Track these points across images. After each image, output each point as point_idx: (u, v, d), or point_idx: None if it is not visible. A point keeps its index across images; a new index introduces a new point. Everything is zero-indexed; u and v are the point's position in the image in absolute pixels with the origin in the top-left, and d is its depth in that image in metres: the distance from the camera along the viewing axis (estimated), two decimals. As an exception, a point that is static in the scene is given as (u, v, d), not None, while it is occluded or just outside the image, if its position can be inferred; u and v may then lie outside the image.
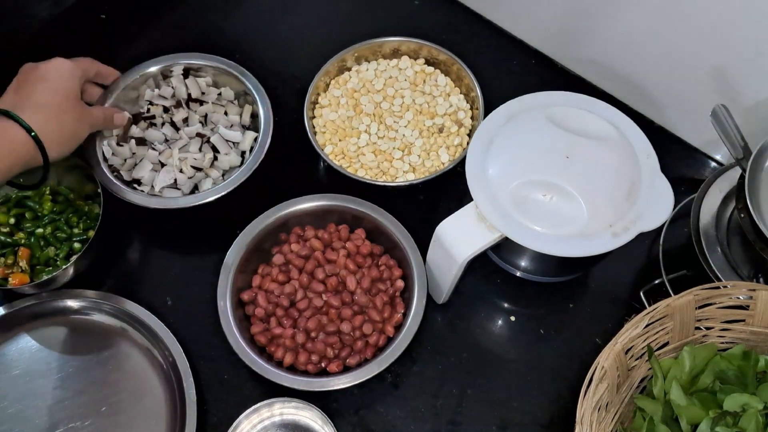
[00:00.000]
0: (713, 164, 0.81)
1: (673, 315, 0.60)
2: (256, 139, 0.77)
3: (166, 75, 0.82)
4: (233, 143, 0.78)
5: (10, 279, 0.70)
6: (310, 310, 0.68)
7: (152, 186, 0.76)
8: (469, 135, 0.79)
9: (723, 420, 0.55)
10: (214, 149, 0.77)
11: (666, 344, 0.62)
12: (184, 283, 0.75)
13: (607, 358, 0.57)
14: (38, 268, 0.71)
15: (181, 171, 0.76)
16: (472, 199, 0.62)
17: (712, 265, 0.66)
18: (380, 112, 0.80)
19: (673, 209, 0.63)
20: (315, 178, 0.81)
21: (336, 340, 0.68)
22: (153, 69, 0.81)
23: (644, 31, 0.76)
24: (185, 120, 0.80)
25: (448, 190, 0.79)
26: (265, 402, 0.66)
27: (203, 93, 0.82)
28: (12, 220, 0.73)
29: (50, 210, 0.74)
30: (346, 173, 0.75)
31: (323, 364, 0.67)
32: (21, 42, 0.90)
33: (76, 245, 0.72)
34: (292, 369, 0.67)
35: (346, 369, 0.67)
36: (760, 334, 0.61)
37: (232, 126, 0.79)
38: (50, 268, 0.71)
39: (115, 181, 0.74)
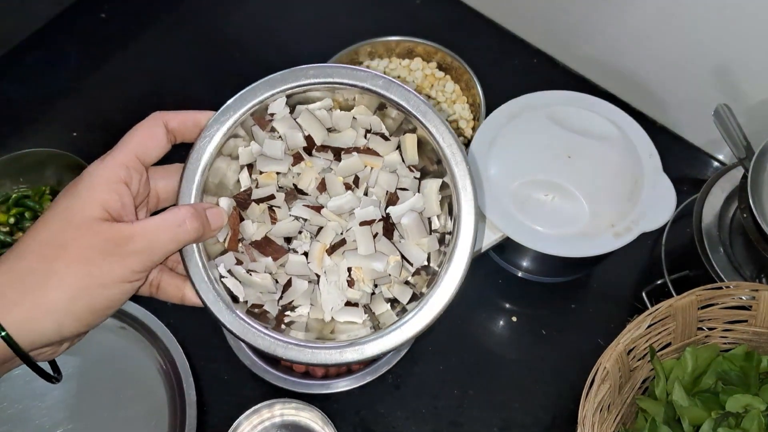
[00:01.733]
0: (716, 164, 0.81)
1: (676, 315, 0.60)
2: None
3: (260, 119, 0.45)
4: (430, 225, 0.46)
5: (9, 279, 0.70)
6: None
7: (312, 306, 0.46)
8: (467, 145, 0.78)
9: (725, 421, 0.55)
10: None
11: (668, 345, 0.62)
12: (185, 284, 0.75)
13: (609, 359, 0.57)
14: (38, 269, 0.71)
15: (349, 283, 0.45)
16: (473, 199, 0.62)
17: (715, 265, 0.66)
18: (381, 111, 0.79)
19: (676, 209, 0.62)
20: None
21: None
22: (232, 120, 0.43)
23: (646, 30, 0.76)
24: (321, 187, 0.46)
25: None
26: (266, 403, 0.65)
27: (330, 129, 0.46)
28: (12, 220, 0.73)
29: (50, 210, 0.74)
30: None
31: (311, 367, 0.67)
32: (20, 41, 0.90)
33: (76, 245, 0.72)
34: (292, 369, 0.67)
35: (347, 370, 0.67)
36: (762, 334, 0.61)
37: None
38: (50, 269, 0.71)
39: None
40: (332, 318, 0.45)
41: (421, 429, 0.68)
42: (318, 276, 0.45)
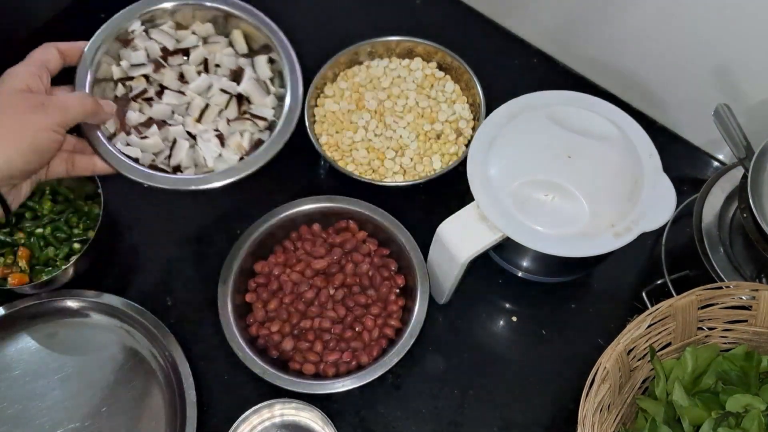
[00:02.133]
0: (716, 164, 0.81)
1: (676, 315, 0.60)
2: (280, 100, 0.68)
3: (124, 39, 0.67)
4: (267, 81, 0.68)
5: (9, 279, 0.70)
6: (313, 311, 0.68)
7: (196, 166, 0.66)
8: (467, 145, 0.78)
9: (725, 421, 0.55)
10: (247, 101, 0.67)
11: (668, 345, 0.62)
12: (185, 284, 0.75)
13: (609, 359, 0.57)
14: (38, 269, 0.71)
15: (220, 135, 0.66)
16: (473, 199, 0.62)
17: (715, 265, 0.66)
18: (382, 110, 0.79)
19: (676, 209, 0.62)
20: (316, 176, 0.80)
21: (337, 342, 0.68)
22: (102, 39, 0.66)
23: (646, 29, 0.76)
24: (181, 78, 0.68)
25: (449, 190, 0.78)
26: (266, 403, 0.65)
27: (178, 41, 0.69)
28: (12, 220, 0.73)
29: (50, 210, 0.74)
30: (337, 167, 0.75)
31: (322, 367, 0.67)
32: (20, 41, 0.89)
33: (76, 245, 0.72)
34: (290, 369, 0.67)
35: (348, 371, 0.67)
36: (762, 334, 0.61)
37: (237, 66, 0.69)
38: (50, 269, 0.71)
39: (135, 165, 0.63)
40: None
41: (421, 429, 0.68)
42: (195, 137, 0.66)
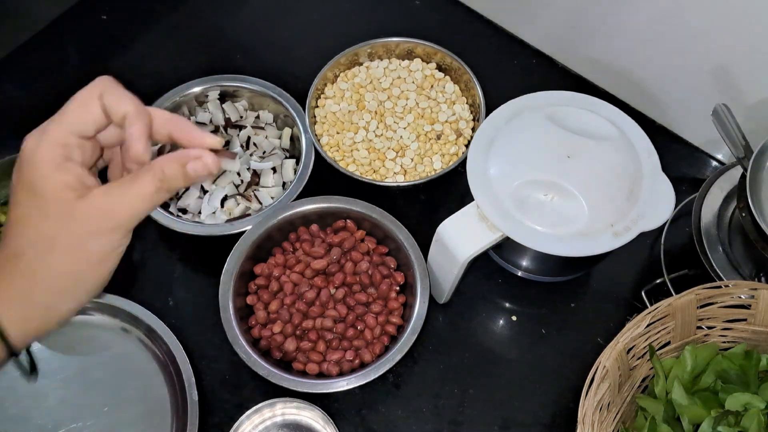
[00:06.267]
0: (714, 163, 0.81)
1: (675, 314, 0.60)
2: (297, 162, 0.77)
3: (201, 101, 0.80)
4: (273, 169, 0.77)
5: (11, 280, 0.70)
6: (315, 311, 0.68)
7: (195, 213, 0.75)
8: (467, 146, 0.78)
9: (725, 419, 0.55)
10: (256, 174, 0.77)
11: (668, 344, 0.62)
12: (186, 284, 0.75)
13: (608, 358, 0.57)
14: (40, 269, 0.71)
15: (225, 197, 0.75)
16: (473, 199, 0.62)
17: (714, 264, 0.66)
18: (382, 111, 0.80)
19: (675, 208, 0.63)
20: (315, 174, 0.81)
21: (339, 341, 0.68)
22: (187, 94, 0.79)
23: (645, 30, 0.76)
24: (226, 145, 0.78)
25: (449, 190, 0.79)
26: (267, 402, 0.66)
27: (241, 117, 0.81)
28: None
29: (52, 211, 0.74)
30: (338, 167, 0.75)
31: (326, 367, 0.67)
32: (22, 43, 0.90)
33: (78, 246, 0.72)
34: (294, 369, 0.67)
35: (351, 369, 0.67)
36: (761, 333, 0.61)
37: (273, 150, 0.78)
38: (52, 269, 0.71)
39: (163, 212, 0.73)
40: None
41: (421, 428, 0.68)
42: (205, 191, 0.75)
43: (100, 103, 0.42)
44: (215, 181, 0.76)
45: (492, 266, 0.75)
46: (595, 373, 0.57)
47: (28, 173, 0.40)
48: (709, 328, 0.62)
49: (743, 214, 0.62)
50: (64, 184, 0.40)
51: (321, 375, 0.67)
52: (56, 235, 0.40)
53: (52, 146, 0.41)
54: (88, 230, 0.40)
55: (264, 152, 0.79)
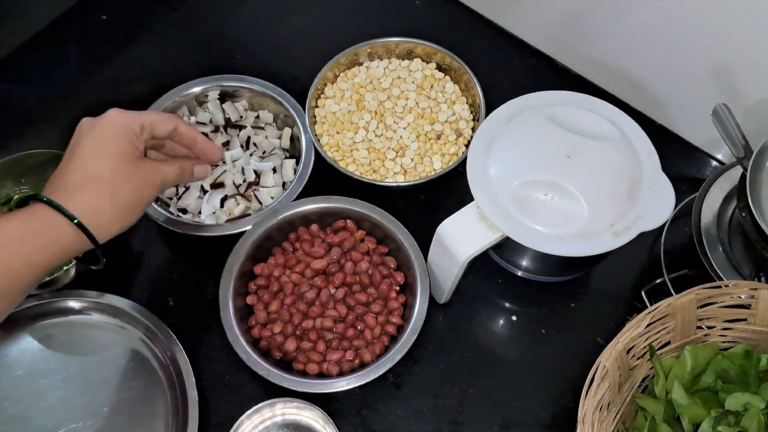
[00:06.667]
0: (714, 163, 0.81)
1: (675, 314, 0.60)
2: (297, 162, 0.77)
3: (201, 101, 0.81)
4: (273, 170, 0.77)
5: (11, 280, 0.70)
6: (315, 311, 0.68)
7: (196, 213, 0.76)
8: (467, 146, 0.78)
9: (725, 419, 0.55)
10: (256, 174, 0.77)
11: (667, 343, 0.62)
12: (186, 284, 0.75)
13: (608, 358, 0.57)
14: (40, 269, 0.71)
15: (225, 197, 0.76)
16: (473, 199, 0.62)
17: (714, 264, 0.66)
18: (382, 111, 0.80)
19: (675, 208, 0.63)
20: (315, 174, 0.81)
21: (339, 341, 0.68)
22: (187, 94, 0.79)
23: (645, 29, 0.76)
24: (226, 144, 0.79)
25: (449, 190, 0.79)
26: (267, 402, 0.66)
27: (241, 117, 0.81)
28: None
29: (52, 211, 0.74)
30: (338, 167, 0.75)
31: (326, 367, 0.67)
32: (22, 43, 0.90)
33: (78, 246, 0.72)
34: (294, 369, 0.67)
35: (351, 369, 0.67)
36: (761, 333, 0.61)
37: (273, 150, 0.79)
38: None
39: (163, 212, 0.73)
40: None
41: (421, 428, 0.68)
42: (205, 191, 0.76)
43: (174, 123, 0.63)
44: (215, 180, 0.76)
45: (492, 266, 0.75)
46: (595, 373, 0.57)
47: (107, 132, 0.59)
48: (709, 328, 0.62)
49: (743, 214, 0.62)
50: (134, 147, 0.59)
51: (321, 375, 0.67)
52: (132, 175, 0.58)
53: (137, 122, 0.60)
54: (146, 177, 0.60)
55: (264, 152, 0.79)
